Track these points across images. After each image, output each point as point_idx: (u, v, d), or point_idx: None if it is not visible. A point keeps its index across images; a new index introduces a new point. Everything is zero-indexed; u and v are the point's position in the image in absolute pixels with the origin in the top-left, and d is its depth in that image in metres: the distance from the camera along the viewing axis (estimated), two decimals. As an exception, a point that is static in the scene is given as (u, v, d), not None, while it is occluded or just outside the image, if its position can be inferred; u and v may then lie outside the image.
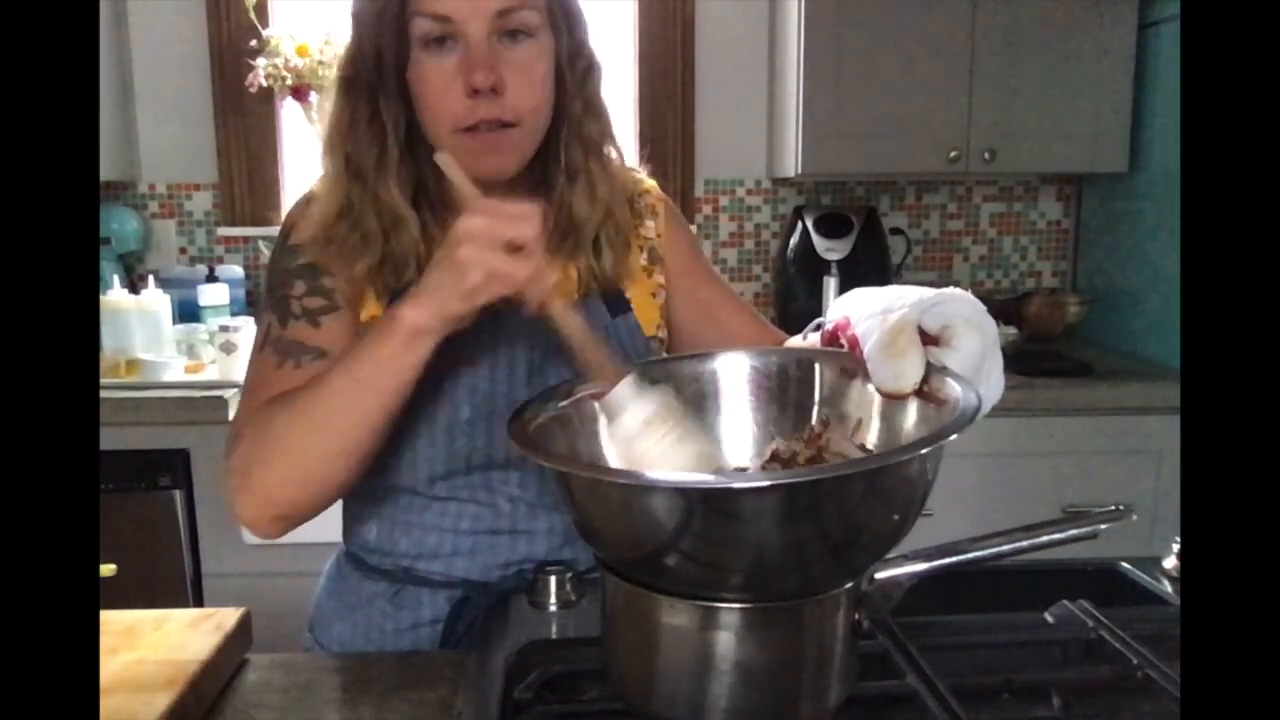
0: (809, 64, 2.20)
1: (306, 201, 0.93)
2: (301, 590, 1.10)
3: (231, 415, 1.85)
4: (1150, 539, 1.89)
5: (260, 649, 0.82)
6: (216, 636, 0.76)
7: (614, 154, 0.96)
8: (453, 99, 0.83)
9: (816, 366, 0.77)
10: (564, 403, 0.73)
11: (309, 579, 1.05)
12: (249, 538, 1.90)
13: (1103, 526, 0.66)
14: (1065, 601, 0.82)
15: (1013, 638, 0.79)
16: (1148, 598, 0.88)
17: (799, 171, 2.26)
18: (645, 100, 2.53)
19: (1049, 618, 0.81)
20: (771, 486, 0.57)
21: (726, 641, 0.61)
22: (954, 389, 0.65)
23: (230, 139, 2.45)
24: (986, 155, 2.23)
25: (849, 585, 0.63)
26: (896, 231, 2.54)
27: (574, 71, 0.90)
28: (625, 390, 0.71)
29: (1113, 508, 0.77)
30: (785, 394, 0.78)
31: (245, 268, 2.46)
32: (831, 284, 2.29)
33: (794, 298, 2.44)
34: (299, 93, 2.35)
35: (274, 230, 2.37)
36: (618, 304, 0.97)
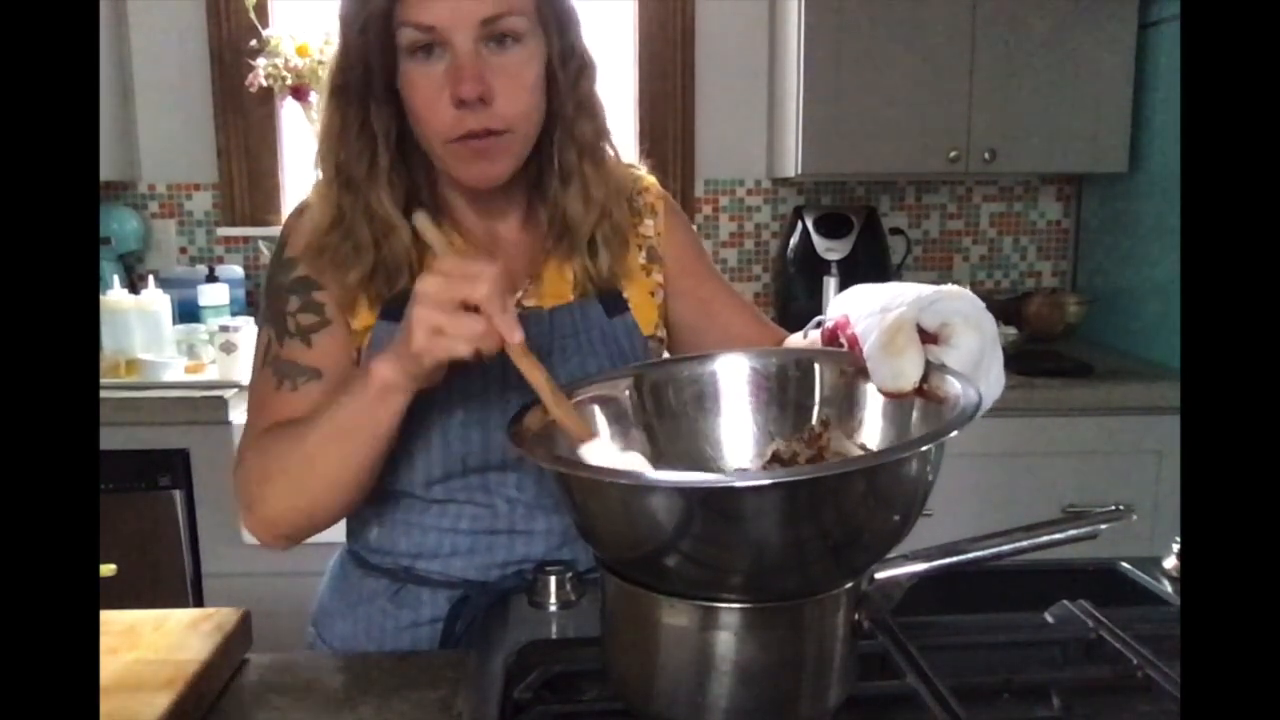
0: (809, 64, 2.20)
1: (300, 212, 0.94)
2: (301, 590, 1.10)
3: (231, 415, 1.87)
4: (1150, 539, 1.89)
5: (260, 649, 0.82)
6: (216, 636, 0.76)
7: (610, 152, 0.96)
8: (440, 109, 0.83)
9: (816, 366, 0.77)
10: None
11: (309, 579, 1.05)
12: (249, 538, 1.88)
13: (1103, 526, 0.66)
14: (1065, 601, 0.82)
15: (1013, 638, 0.79)
16: (1148, 598, 0.88)
17: (799, 171, 2.26)
18: (645, 100, 2.53)
19: (1049, 618, 0.81)
20: (772, 485, 0.57)
21: (726, 641, 0.61)
22: (954, 386, 0.65)
23: (230, 139, 2.45)
24: (986, 155, 2.23)
25: (849, 585, 0.63)
26: (896, 231, 2.54)
27: (566, 72, 0.89)
28: (591, 452, 0.70)
29: (1113, 508, 0.77)
30: (785, 394, 0.78)
31: (245, 268, 2.46)
32: (831, 284, 2.29)
33: (794, 298, 2.44)
34: (299, 93, 2.35)
35: (274, 230, 2.39)
36: (615, 304, 0.97)
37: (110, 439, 1.79)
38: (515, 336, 0.71)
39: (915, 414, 0.69)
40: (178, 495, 1.90)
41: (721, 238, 2.60)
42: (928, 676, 0.70)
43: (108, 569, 1.77)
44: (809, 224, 2.40)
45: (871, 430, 0.73)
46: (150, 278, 2.22)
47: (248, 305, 2.40)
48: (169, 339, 2.10)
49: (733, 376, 0.79)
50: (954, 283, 0.76)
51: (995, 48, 2.19)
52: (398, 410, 0.79)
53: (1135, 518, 0.69)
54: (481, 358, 0.72)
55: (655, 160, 2.45)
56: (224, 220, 2.49)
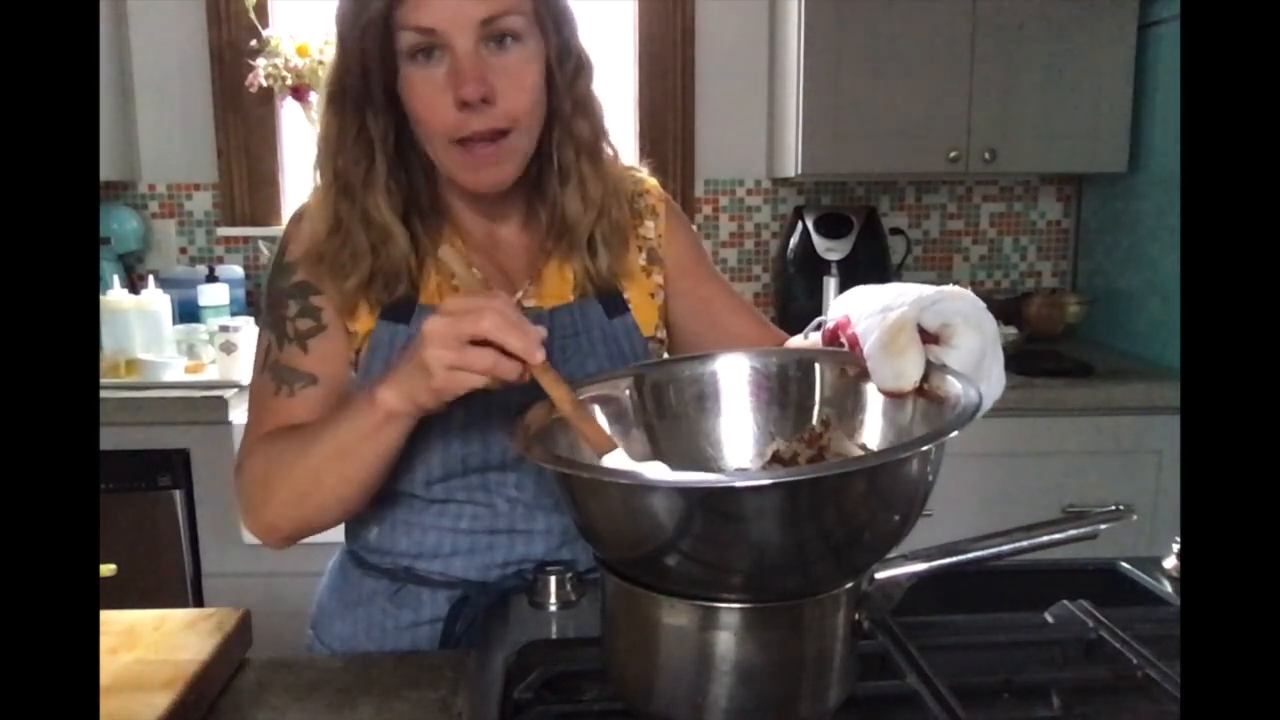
0: (809, 64, 2.20)
1: (299, 217, 0.94)
2: (301, 590, 1.10)
3: (231, 415, 1.87)
4: (1150, 539, 1.90)
5: (260, 649, 0.82)
6: (216, 636, 0.76)
7: (609, 151, 0.96)
8: (443, 111, 0.83)
9: (817, 367, 0.77)
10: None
11: (309, 579, 1.05)
12: (249, 538, 1.89)
13: (1103, 526, 0.66)
14: (1065, 601, 0.82)
15: (1013, 638, 0.79)
16: (1148, 598, 0.88)
17: (799, 171, 2.26)
18: (645, 100, 2.53)
19: (1049, 618, 0.81)
20: (772, 486, 0.57)
21: (726, 641, 0.61)
22: (954, 387, 0.65)
23: (230, 139, 2.45)
24: (986, 155, 2.23)
25: (849, 585, 0.63)
26: (896, 231, 2.54)
27: (564, 71, 0.89)
28: (612, 463, 0.70)
29: (1113, 508, 0.77)
30: (786, 394, 0.78)
31: (245, 268, 2.46)
32: (831, 284, 2.29)
33: (794, 298, 2.44)
34: (299, 93, 2.35)
35: (274, 230, 2.39)
36: (615, 305, 0.97)
37: (110, 439, 1.79)
38: (536, 357, 0.71)
39: (915, 414, 0.69)
40: (178, 495, 1.90)
41: (721, 238, 2.60)
42: (928, 676, 0.70)
43: (108, 569, 1.77)
44: (809, 224, 2.40)
45: (872, 430, 0.73)
46: (150, 278, 2.22)
47: (248, 305, 2.40)
48: (169, 339, 2.10)
49: (733, 376, 0.79)
50: (954, 283, 0.76)
51: (995, 48, 2.19)
52: (401, 435, 0.80)
53: (1135, 518, 0.69)
54: (507, 385, 0.73)
55: (655, 160, 2.44)
56: (224, 220, 2.49)
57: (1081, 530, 0.65)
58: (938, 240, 2.64)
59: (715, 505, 0.57)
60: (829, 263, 2.34)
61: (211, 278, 2.32)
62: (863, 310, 0.74)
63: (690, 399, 0.78)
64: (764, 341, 1.00)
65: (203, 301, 2.24)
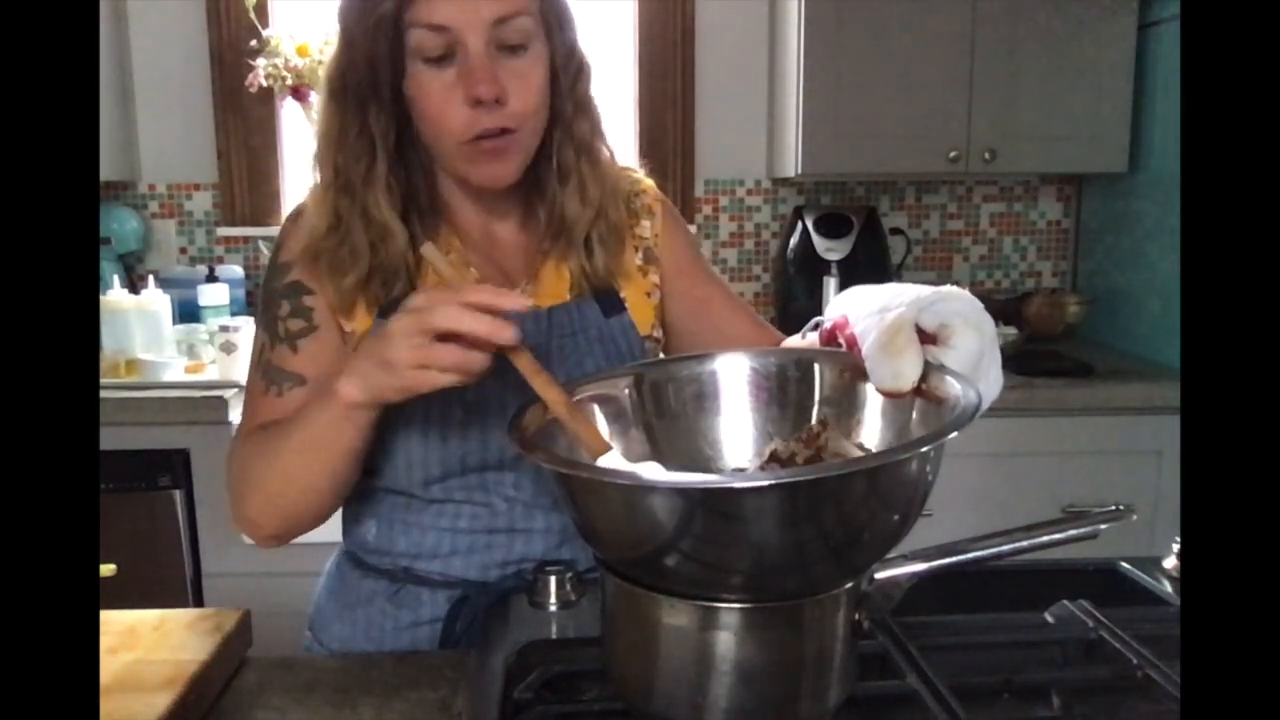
0: (809, 64, 2.20)
1: (296, 216, 0.94)
2: (301, 590, 1.10)
3: (231, 415, 1.87)
4: (1150, 539, 1.89)
5: (260, 649, 0.82)
6: (216, 636, 0.76)
7: (605, 152, 0.97)
8: (453, 110, 0.83)
9: (815, 366, 0.77)
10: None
11: (309, 579, 1.05)
12: (249, 537, 1.90)
13: (1103, 526, 0.66)
14: (1065, 601, 0.82)
15: (1013, 638, 0.79)
16: (1148, 598, 0.88)
17: (799, 171, 2.26)
18: (645, 100, 2.53)
19: (1049, 618, 0.81)
20: (771, 486, 0.57)
21: (726, 641, 0.61)
22: (953, 387, 0.65)
23: (230, 139, 2.45)
24: (986, 155, 2.23)
25: (849, 585, 0.63)
26: (896, 231, 2.54)
27: (566, 73, 0.90)
28: (608, 465, 0.69)
29: (1113, 508, 0.77)
30: (784, 394, 0.78)
31: (245, 268, 2.46)
32: (831, 284, 2.29)
33: (794, 298, 2.44)
34: (299, 93, 2.35)
35: (274, 230, 2.38)
36: (612, 304, 0.97)
37: (110, 439, 1.79)
38: (504, 335, 0.69)
39: (914, 414, 0.69)
40: (178, 495, 1.90)
41: (721, 238, 2.60)
42: (928, 676, 0.70)
43: (108, 569, 1.77)
44: (809, 224, 2.40)
45: (870, 430, 0.73)
46: (150, 278, 2.22)
47: (248, 305, 2.40)
48: (169, 339, 2.10)
49: (732, 376, 0.79)
50: (954, 283, 0.76)
51: (995, 48, 2.19)
52: (364, 428, 0.80)
53: (1135, 518, 0.69)
54: (479, 378, 0.72)
55: (655, 160, 2.47)
56: (224, 220, 2.49)
57: (1081, 530, 0.65)
58: (938, 240, 2.64)
59: (714, 506, 0.57)
60: (829, 263, 2.34)
61: (211, 278, 2.32)
62: (861, 310, 0.74)
63: (689, 398, 0.78)
64: (760, 342, 1.00)
65: (203, 301, 2.24)
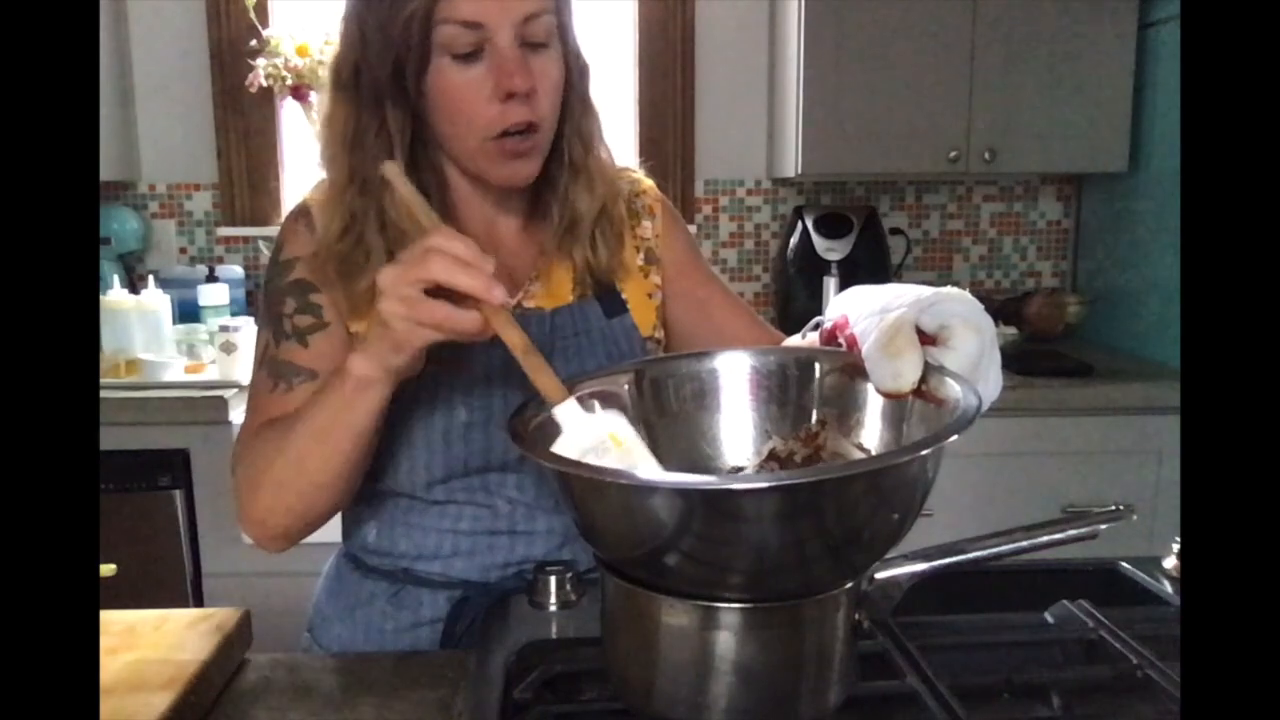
0: (809, 64, 2.20)
1: (299, 215, 0.93)
2: (301, 590, 1.10)
3: (232, 415, 1.87)
4: (1150, 539, 1.89)
5: (260, 649, 0.82)
6: (216, 636, 0.76)
7: (605, 152, 0.97)
8: (482, 105, 0.83)
9: (815, 366, 0.77)
10: (563, 402, 0.73)
11: (309, 579, 1.05)
12: (249, 537, 1.90)
13: (1103, 526, 0.66)
14: (1065, 601, 0.82)
15: (1013, 638, 0.79)
16: (1148, 598, 0.88)
17: (799, 171, 2.26)
18: (645, 100, 2.53)
19: (1049, 618, 0.81)
20: (771, 488, 0.57)
21: (726, 641, 0.61)
22: (953, 389, 0.65)
23: (230, 139, 2.45)
24: (986, 155, 2.23)
25: (849, 585, 0.63)
26: (896, 231, 2.54)
27: (575, 73, 0.91)
28: (564, 414, 0.70)
29: (1113, 508, 0.77)
30: (784, 393, 0.78)
31: (245, 268, 2.46)
32: (831, 284, 2.29)
33: (794, 298, 2.44)
34: (299, 93, 2.36)
35: (274, 230, 2.38)
36: (614, 305, 0.97)
37: (110, 439, 1.79)
38: (493, 296, 0.69)
39: (913, 415, 0.69)
40: (178, 495, 1.90)
41: (721, 238, 2.60)
42: (928, 676, 0.70)
43: (108, 569, 1.77)
44: (809, 224, 2.40)
45: (869, 430, 0.73)
46: (150, 278, 2.22)
47: (248, 305, 2.40)
48: (169, 339, 2.10)
49: (732, 374, 0.79)
50: (954, 283, 0.76)
51: (995, 48, 2.19)
52: (377, 405, 0.78)
53: (1135, 518, 0.69)
54: (468, 338, 0.71)
55: (655, 160, 2.47)
56: (224, 220, 2.49)
57: (1081, 530, 0.65)
58: (938, 240, 2.64)
59: (714, 506, 0.57)
60: (829, 263, 2.34)
61: (211, 278, 2.32)
62: (861, 311, 0.74)
63: (689, 396, 0.78)
64: (761, 342, 1.00)
65: (203, 301, 2.24)
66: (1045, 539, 0.65)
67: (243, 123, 2.45)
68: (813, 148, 2.23)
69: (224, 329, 2.00)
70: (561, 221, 0.95)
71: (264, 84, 2.34)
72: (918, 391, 0.68)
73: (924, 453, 0.58)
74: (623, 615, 0.66)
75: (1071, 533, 0.65)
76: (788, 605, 0.61)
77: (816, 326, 0.81)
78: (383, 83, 0.85)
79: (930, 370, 0.68)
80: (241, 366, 1.95)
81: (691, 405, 0.78)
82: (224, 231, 2.48)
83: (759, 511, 0.56)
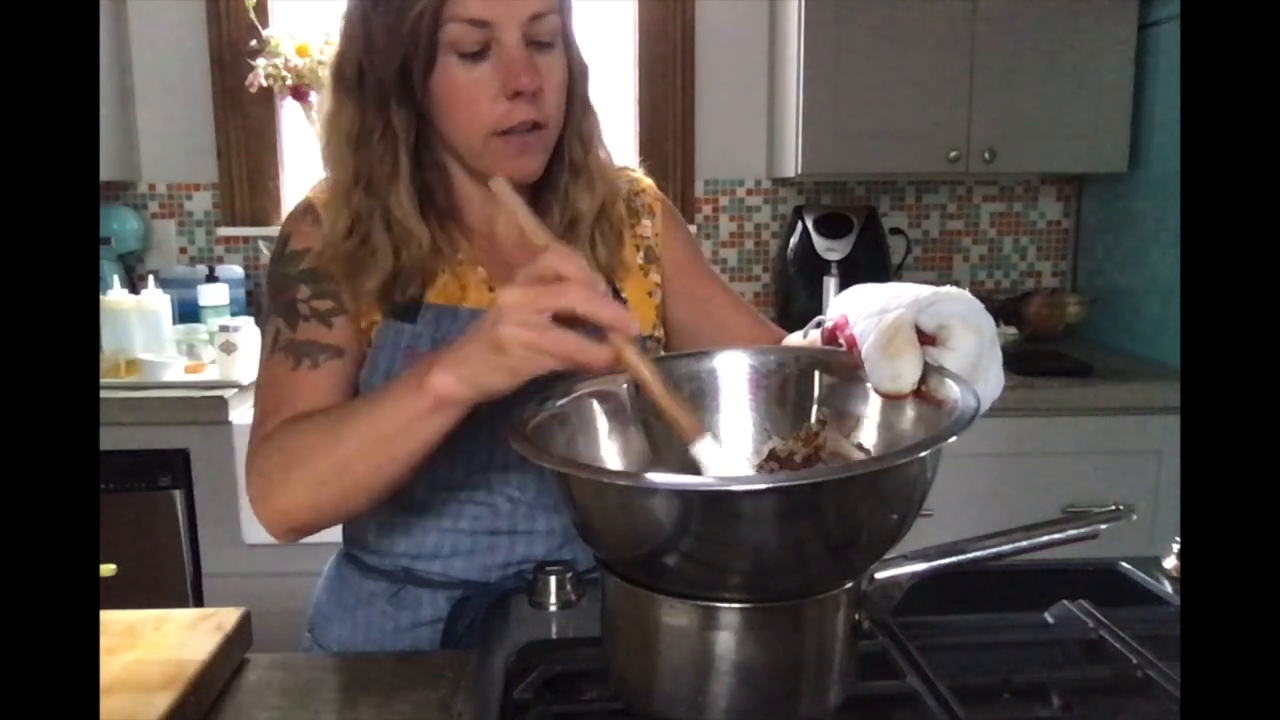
0: (809, 64, 2.20)
1: (303, 212, 0.93)
2: (301, 590, 1.10)
3: (231, 415, 1.87)
4: (1150, 539, 1.89)
5: (260, 649, 0.82)
6: (216, 636, 0.76)
7: (603, 153, 0.97)
8: (489, 103, 0.83)
9: (814, 366, 0.77)
10: (562, 401, 0.73)
11: (309, 579, 1.05)
12: (249, 537, 1.90)
13: (1103, 526, 0.65)
14: (1065, 601, 0.82)
15: (1013, 638, 0.79)
16: (1148, 598, 0.88)
17: (799, 171, 2.26)
18: (645, 100, 2.53)
19: (1049, 618, 0.81)
20: (770, 489, 0.57)
21: (726, 641, 0.61)
22: (952, 390, 0.65)
23: (230, 139, 2.45)
24: (986, 155, 2.23)
25: (849, 585, 0.63)
26: (896, 231, 2.54)
27: (576, 74, 0.91)
28: (703, 451, 0.68)
29: (1113, 508, 0.77)
30: (783, 393, 0.77)
31: (245, 268, 2.46)
32: (831, 284, 2.29)
33: (794, 298, 2.44)
34: (299, 93, 2.35)
35: (274, 230, 2.38)
36: (614, 304, 0.97)
37: (110, 439, 1.79)
38: (632, 329, 0.66)
39: (912, 415, 0.69)
40: (178, 495, 1.90)
41: (721, 238, 2.60)
42: (928, 676, 0.70)
43: (108, 569, 1.77)
44: (809, 224, 2.40)
45: (868, 430, 0.73)
46: (150, 278, 2.22)
47: (248, 305, 2.40)
48: (169, 339, 2.10)
49: (731, 374, 0.78)
50: (954, 283, 0.76)
51: (995, 48, 2.19)
52: (450, 425, 0.75)
53: (1135, 518, 0.69)
54: (596, 371, 0.68)
55: (655, 160, 2.47)
56: (224, 220, 2.49)
57: (1081, 530, 0.65)
58: (938, 240, 2.64)
59: (713, 506, 0.57)
60: (829, 263, 2.34)
61: (211, 278, 2.32)
62: (861, 311, 0.74)
63: (688, 396, 0.78)
64: (762, 339, 1.01)
65: (203, 301, 2.24)
66: (1045, 539, 0.65)
67: (243, 123, 2.45)
68: (813, 148, 2.23)
69: (224, 329, 2.00)
70: (562, 221, 0.95)
71: (264, 84, 2.34)
72: (917, 392, 0.68)
73: (923, 454, 0.58)
74: (623, 615, 0.66)
75: (1071, 533, 0.65)
76: (788, 605, 0.61)
77: (818, 326, 0.81)
78: (388, 82, 0.85)
79: (930, 371, 0.68)
80: (241, 367, 1.95)
81: (691, 405, 0.78)
82: (224, 231, 2.48)
83: (758, 512, 0.56)
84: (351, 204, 0.88)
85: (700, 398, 0.78)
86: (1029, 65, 2.21)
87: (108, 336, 2.02)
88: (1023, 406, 1.98)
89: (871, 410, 0.72)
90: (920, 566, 0.65)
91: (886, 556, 0.64)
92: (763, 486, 0.58)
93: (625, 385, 0.78)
